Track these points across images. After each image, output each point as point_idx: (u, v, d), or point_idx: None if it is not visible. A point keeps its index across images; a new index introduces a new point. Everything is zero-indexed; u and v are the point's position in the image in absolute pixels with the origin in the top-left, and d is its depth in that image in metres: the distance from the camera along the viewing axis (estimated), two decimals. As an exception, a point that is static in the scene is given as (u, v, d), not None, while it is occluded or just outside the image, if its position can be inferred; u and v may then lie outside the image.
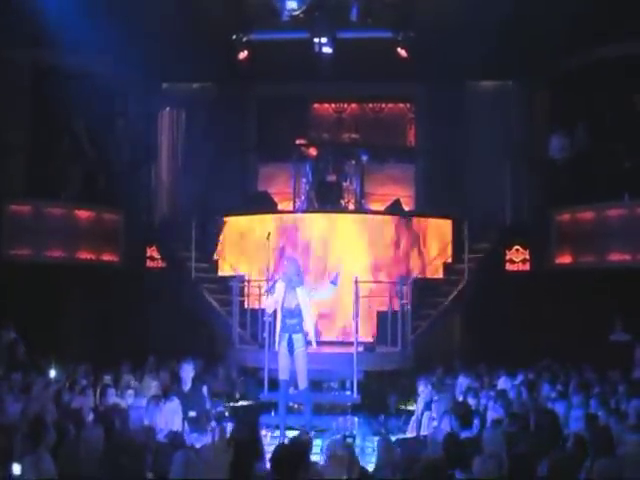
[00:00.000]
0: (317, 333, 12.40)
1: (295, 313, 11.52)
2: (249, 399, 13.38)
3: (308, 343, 11.61)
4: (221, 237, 16.76)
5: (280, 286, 11.68)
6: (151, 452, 7.35)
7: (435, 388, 11.77)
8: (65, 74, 16.59)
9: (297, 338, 11.51)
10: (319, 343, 12.23)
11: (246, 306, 14.71)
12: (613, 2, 14.70)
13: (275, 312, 12.24)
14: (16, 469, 6.58)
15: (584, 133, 16.75)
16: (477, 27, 15.27)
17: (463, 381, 12.42)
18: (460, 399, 10.73)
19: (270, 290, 12.17)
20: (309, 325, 11.67)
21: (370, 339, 14.52)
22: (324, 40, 15.61)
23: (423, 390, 11.53)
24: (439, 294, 16.27)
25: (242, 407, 13.03)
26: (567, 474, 6.34)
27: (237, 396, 13.47)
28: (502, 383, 12.33)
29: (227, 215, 16.82)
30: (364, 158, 17.19)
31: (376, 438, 8.62)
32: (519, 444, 7.45)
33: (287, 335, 11.54)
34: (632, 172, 15.74)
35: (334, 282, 11.83)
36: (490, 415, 9.70)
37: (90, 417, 9.31)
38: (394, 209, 16.87)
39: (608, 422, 8.69)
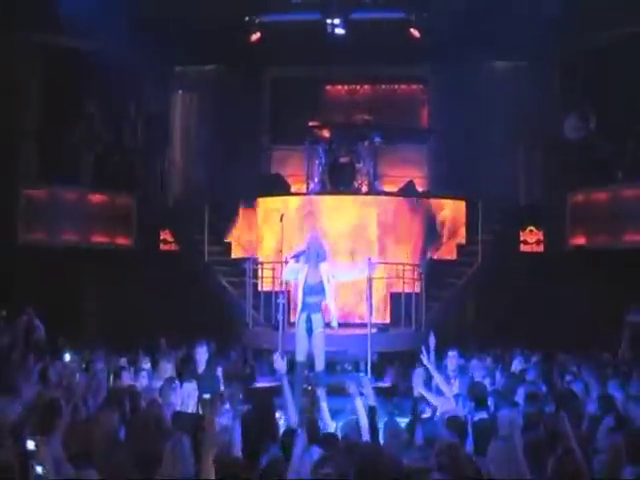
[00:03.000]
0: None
1: (317, 289, 11.47)
2: (263, 381, 13.40)
3: (327, 324, 11.61)
4: (237, 220, 16.71)
5: (302, 265, 11.69)
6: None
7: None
8: (78, 57, 16.60)
9: (316, 318, 11.45)
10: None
11: (259, 288, 14.72)
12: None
13: (289, 294, 12.26)
14: (30, 445, 6.65)
15: (595, 114, 16.67)
16: (489, 7, 15.20)
17: (477, 364, 12.40)
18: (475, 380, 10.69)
19: (296, 257, 12.07)
20: (330, 302, 11.65)
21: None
22: (337, 21, 15.58)
23: (451, 357, 11.41)
24: (453, 275, 16.25)
25: (256, 389, 13.04)
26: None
27: (256, 378, 13.50)
28: (517, 364, 12.30)
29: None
30: (377, 140, 17.10)
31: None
32: (536, 425, 7.43)
33: (305, 315, 11.50)
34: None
35: (370, 269, 11.90)
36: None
37: (103, 399, 9.33)
38: (408, 190, 16.83)
39: (625, 403, 8.68)
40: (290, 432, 6.71)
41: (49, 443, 6.67)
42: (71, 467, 6.23)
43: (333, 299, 11.84)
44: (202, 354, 11.52)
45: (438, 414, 8.65)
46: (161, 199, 18.06)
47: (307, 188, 16.95)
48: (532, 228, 16.94)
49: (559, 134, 17.14)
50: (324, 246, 11.92)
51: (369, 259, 12.82)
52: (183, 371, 11.85)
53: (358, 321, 14.17)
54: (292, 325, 12.30)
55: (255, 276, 14.75)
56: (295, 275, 11.88)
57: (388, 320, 14.86)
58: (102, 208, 17.15)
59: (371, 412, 7.11)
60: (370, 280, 13.07)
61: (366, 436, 7.00)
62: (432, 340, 11.17)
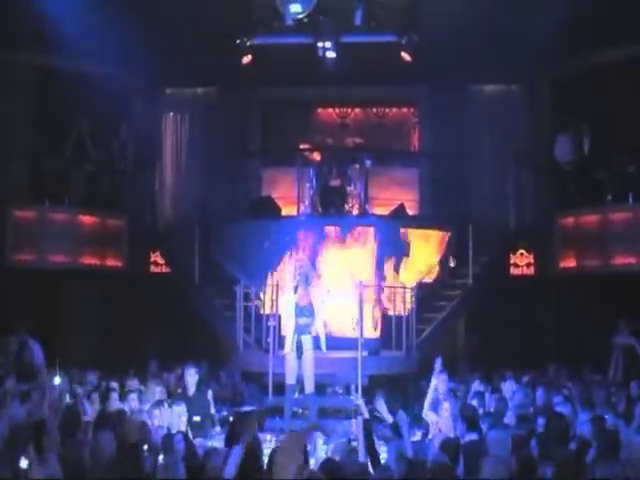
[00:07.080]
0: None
1: (307, 311, 11.53)
2: (253, 404, 13.33)
3: (318, 346, 11.62)
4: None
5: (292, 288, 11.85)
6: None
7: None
8: (69, 78, 16.59)
9: (306, 340, 11.49)
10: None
11: (250, 311, 14.66)
12: (616, 5, 14.66)
13: (279, 318, 12.25)
14: (23, 463, 6.64)
15: (589, 136, 16.72)
16: (480, 31, 15.28)
17: (467, 386, 12.42)
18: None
19: (294, 290, 12.14)
20: (320, 327, 11.68)
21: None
22: (328, 44, 15.61)
23: (442, 380, 11.44)
24: (443, 298, 16.23)
25: (242, 412, 12.96)
26: (572, 477, 6.30)
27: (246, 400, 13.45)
28: (507, 386, 12.29)
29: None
30: (368, 162, 17.10)
31: (382, 443, 8.56)
32: (525, 447, 7.41)
33: (295, 337, 11.52)
34: (636, 175, 15.72)
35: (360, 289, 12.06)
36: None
37: (93, 421, 9.28)
38: (398, 214, 16.81)
39: (615, 425, 8.66)
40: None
41: (41, 462, 6.66)
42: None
43: (323, 323, 11.90)
44: (191, 376, 11.49)
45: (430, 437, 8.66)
46: (151, 220, 18.02)
47: (298, 211, 16.92)
48: (523, 251, 16.96)
49: (549, 157, 17.20)
50: (313, 271, 12.09)
51: (359, 281, 12.86)
52: (173, 393, 11.82)
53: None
54: (282, 347, 12.26)
55: (246, 298, 14.71)
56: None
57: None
58: (92, 229, 17.07)
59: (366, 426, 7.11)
60: (360, 303, 13.07)
61: (361, 457, 6.98)
62: (438, 363, 11.23)
